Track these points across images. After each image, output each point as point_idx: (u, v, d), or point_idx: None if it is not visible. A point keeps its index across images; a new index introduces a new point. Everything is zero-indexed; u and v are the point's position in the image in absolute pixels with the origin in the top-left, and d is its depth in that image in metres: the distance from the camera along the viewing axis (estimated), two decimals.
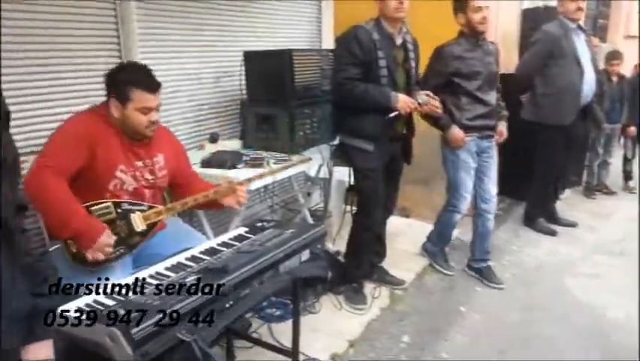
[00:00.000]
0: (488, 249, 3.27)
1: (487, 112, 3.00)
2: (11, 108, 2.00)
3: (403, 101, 2.52)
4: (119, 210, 1.88)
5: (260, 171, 2.44)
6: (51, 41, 2.16)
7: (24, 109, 2.16)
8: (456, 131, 2.94)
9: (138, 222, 1.92)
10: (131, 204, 1.92)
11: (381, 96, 2.52)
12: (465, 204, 3.12)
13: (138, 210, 1.92)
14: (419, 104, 2.58)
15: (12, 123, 2.01)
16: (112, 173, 1.92)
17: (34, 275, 0.91)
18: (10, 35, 2.05)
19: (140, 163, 2.01)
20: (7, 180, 0.91)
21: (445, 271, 3.30)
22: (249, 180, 2.23)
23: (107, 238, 1.81)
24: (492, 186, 3.16)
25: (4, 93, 1.98)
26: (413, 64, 2.71)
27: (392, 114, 2.53)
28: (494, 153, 3.16)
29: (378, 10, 2.58)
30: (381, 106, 2.53)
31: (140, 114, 1.92)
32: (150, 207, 1.96)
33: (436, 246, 3.39)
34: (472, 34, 2.88)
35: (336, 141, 3.01)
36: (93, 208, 1.83)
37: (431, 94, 2.64)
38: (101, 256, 1.81)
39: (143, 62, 2.54)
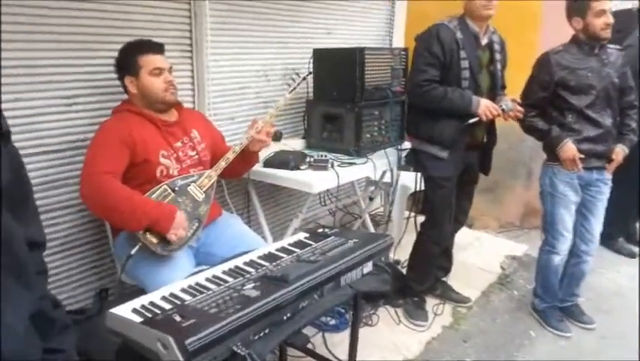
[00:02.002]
0: (577, 292, 2.83)
1: (598, 135, 2.46)
2: (85, 104, 2.08)
3: (484, 107, 2.32)
4: (175, 189, 1.93)
5: None
6: (127, 34, 2.15)
7: (100, 101, 2.17)
8: (570, 147, 2.43)
9: (197, 193, 1.98)
10: (182, 179, 1.98)
11: (462, 100, 2.33)
12: (565, 245, 2.63)
13: (192, 182, 1.99)
14: (503, 110, 2.36)
15: (92, 115, 2.08)
16: (155, 160, 1.94)
17: (49, 325, 0.78)
18: (86, 32, 2.06)
19: (179, 143, 2.04)
20: (6, 211, 0.74)
21: (562, 334, 2.69)
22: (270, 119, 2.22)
23: (181, 214, 1.86)
24: (597, 226, 2.66)
25: (81, 90, 2.05)
26: (499, 66, 2.49)
27: (472, 120, 2.34)
28: (606, 188, 2.61)
29: (463, 8, 2.39)
30: (460, 111, 2.34)
31: (154, 77, 1.96)
32: (199, 176, 2.02)
33: (545, 302, 2.79)
34: (588, 41, 2.45)
35: (404, 145, 2.87)
36: (152, 196, 1.86)
37: (517, 100, 2.41)
38: (182, 233, 1.84)
39: (213, 57, 2.53)
